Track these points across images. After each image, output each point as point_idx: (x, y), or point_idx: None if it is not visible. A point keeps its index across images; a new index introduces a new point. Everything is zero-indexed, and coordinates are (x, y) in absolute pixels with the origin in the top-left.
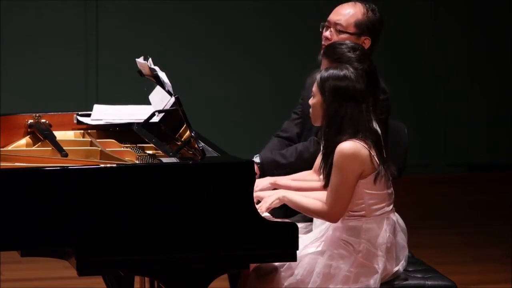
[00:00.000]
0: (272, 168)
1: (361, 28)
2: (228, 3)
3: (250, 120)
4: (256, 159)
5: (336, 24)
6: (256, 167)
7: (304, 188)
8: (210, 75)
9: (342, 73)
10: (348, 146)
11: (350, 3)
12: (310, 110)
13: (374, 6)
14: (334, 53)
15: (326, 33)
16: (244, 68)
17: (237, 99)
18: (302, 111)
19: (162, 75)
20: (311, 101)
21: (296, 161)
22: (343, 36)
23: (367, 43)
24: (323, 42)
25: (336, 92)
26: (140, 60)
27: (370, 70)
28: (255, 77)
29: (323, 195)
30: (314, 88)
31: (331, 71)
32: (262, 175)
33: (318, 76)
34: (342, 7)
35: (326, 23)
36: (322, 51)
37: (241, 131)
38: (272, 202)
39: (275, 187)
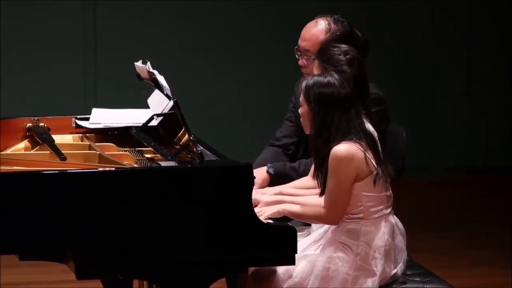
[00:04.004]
0: (284, 182)
1: None
2: (225, 7)
3: (243, 124)
4: (270, 170)
5: (305, 50)
6: (268, 177)
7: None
8: (204, 78)
9: (325, 80)
10: (342, 148)
11: (312, 22)
12: (301, 119)
13: (337, 16)
14: (325, 54)
15: (300, 62)
16: (238, 71)
17: (231, 103)
18: (296, 120)
19: (161, 79)
20: (299, 110)
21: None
22: (317, 61)
23: None
24: (302, 70)
25: (321, 100)
26: (138, 63)
27: (359, 75)
28: (249, 80)
29: (320, 199)
30: (301, 98)
31: (315, 79)
32: (270, 185)
33: (303, 85)
34: (306, 30)
35: (298, 50)
36: (314, 55)
37: (234, 135)
38: (271, 214)
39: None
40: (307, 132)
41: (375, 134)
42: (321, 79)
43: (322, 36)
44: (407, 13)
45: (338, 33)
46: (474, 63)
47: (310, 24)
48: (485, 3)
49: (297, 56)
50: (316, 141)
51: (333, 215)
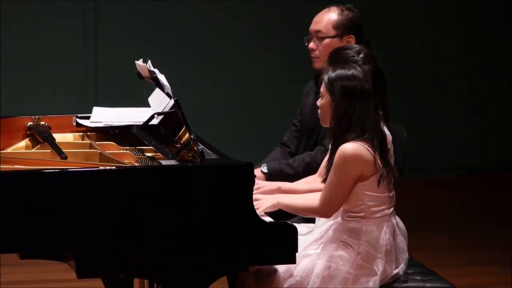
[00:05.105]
0: (279, 179)
1: (341, 28)
2: (225, 7)
3: (244, 123)
4: (264, 168)
5: (316, 32)
6: (263, 176)
7: (306, 190)
8: (205, 77)
9: (350, 72)
10: (350, 148)
11: (325, 10)
12: (319, 111)
13: (349, 4)
14: (339, 58)
15: (311, 45)
16: (238, 71)
17: (231, 102)
18: (300, 122)
19: (162, 78)
20: (319, 102)
21: (304, 172)
22: (327, 41)
23: (351, 41)
24: (311, 55)
25: (345, 92)
26: (139, 62)
27: (376, 71)
28: (250, 80)
29: (316, 195)
30: (322, 89)
31: (338, 71)
32: None
33: (325, 77)
34: (318, 16)
35: (309, 36)
36: (327, 60)
37: (234, 134)
38: (267, 208)
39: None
40: (325, 124)
41: (389, 137)
42: (345, 71)
43: (334, 17)
44: (406, 13)
45: (350, 16)
46: (474, 63)
47: (323, 10)
48: (485, 4)
49: (306, 43)
50: (335, 132)
51: (326, 207)
